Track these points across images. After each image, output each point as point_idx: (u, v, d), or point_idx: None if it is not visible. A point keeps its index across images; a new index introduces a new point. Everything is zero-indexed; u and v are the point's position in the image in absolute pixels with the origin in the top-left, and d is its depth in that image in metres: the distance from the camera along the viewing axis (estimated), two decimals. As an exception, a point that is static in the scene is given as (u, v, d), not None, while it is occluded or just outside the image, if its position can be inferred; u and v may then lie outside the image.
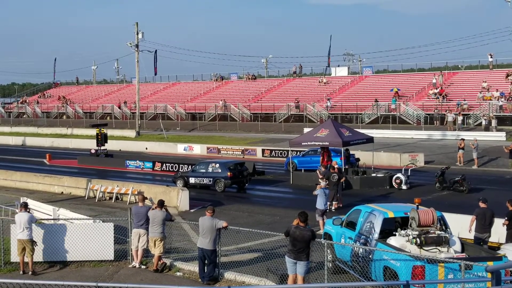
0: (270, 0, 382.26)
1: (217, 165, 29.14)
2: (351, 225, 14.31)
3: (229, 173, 28.30)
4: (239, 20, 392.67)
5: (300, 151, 36.31)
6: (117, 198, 26.46)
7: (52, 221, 17.89)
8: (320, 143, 29.81)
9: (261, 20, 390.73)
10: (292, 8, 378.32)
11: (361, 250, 12.98)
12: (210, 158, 37.38)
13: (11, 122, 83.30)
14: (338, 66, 76.52)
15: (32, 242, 15.06)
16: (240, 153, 43.65)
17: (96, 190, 27.13)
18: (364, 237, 13.42)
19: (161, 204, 15.39)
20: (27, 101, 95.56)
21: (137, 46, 65.91)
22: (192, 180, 29.30)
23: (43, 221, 17.01)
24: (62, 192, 28.88)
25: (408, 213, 12.97)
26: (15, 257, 15.39)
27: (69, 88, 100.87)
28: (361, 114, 57.70)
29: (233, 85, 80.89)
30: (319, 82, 72.26)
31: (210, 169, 29.11)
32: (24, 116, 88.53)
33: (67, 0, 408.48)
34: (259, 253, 15.76)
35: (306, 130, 46.41)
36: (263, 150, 42.98)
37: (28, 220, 15.04)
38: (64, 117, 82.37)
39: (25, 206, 15.89)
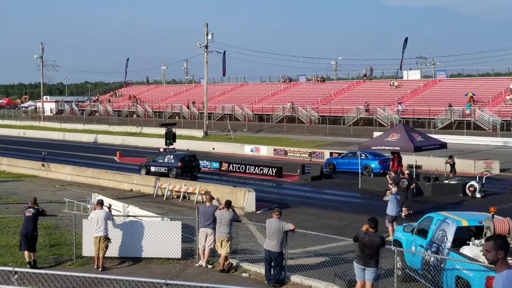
0: (341, 1, 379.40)
1: (172, 156, 34.16)
2: (422, 232, 14.00)
3: (180, 163, 32.94)
4: (308, 22, 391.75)
5: (340, 153, 37.87)
6: (184, 197, 26.93)
7: (122, 218, 18.39)
8: (391, 148, 29.32)
9: (331, 22, 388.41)
10: (364, 9, 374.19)
11: (432, 258, 12.68)
12: (274, 159, 37.61)
13: (84, 119, 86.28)
14: (410, 69, 75.05)
15: (107, 239, 15.55)
16: (307, 155, 43.50)
17: (164, 188, 27.70)
18: (436, 245, 13.10)
19: (228, 204, 15.56)
20: (100, 99, 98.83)
21: (206, 47, 66.92)
22: (152, 169, 33.91)
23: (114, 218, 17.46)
24: (132, 190, 29.67)
25: (483, 222, 12.55)
26: (86, 251, 15.94)
27: (140, 87, 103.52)
28: (433, 119, 56.38)
29: (301, 87, 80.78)
30: (390, 85, 71.12)
31: (166, 160, 33.86)
32: (96, 114, 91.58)
33: (140, 2, 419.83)
34: (326, 258, 15.66)
35: (376, 134, 45.82)
36: (331, 153, 42.60)
37: (105, 217, 15.54)
38: (135, 115, 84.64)
39: (101, 204, 16.34)
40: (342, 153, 36.83)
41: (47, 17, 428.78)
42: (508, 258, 11.34)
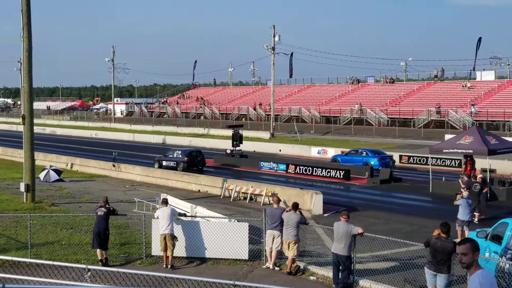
0: (411, 1, 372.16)
1: (180, 152, 38.45)
2: (496, 238, 13.56)
3: (186, 158, 37.21)
4: (376, 22, 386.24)
5: (343, 151, 41.96)
6: (251, 199, 27.09)
7: (190, 218, 18.70)
8: (463, 151, 28.54)
9: (401, 22, 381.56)
10: (434, 9, 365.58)
11: (507, 265, 12.28)
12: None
13: (153, 121, 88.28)
14: (484, 70, 72.68)
15: (174, 237, 15.88)
16: (375, 158, 42.86)
17: (231, 189, 27.97)
18: (511, 252, 12.67)
19: (295, 206, 15.56)
20: (168, 101, 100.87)
21: (273, 48, 67.13)
22: (164, 163, 37.95)
23: (181, 217, 17.83)
24: (199, 190, 30.11)
25: None
26: (155, 250, 16.31)
27: (207, 89, 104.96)
28: (508, 121, 54.40)
29: (370, 89, 79.74)
30: (463, 86, 69.14)
31: (175, 155, 38.06)
32: (165, 115, 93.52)
33: (207, 5, 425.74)
34: (396, 263, 15.40)
35: (447, 136, 44.59)
36: (400, 156, 41.88)
37: (170, 214, 15.90)
38: (202, 117, 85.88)
39: (166, 202, 16.82)
40: (346, 151, 41.02)
41: (118, 20, 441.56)
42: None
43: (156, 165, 38.02)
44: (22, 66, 26.09)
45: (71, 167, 39.25)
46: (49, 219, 19.77)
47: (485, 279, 5.74)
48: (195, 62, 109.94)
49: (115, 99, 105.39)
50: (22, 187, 24.75)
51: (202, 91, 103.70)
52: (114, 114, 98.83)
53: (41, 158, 38.85)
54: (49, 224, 19.43)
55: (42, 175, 32.26)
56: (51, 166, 34.63)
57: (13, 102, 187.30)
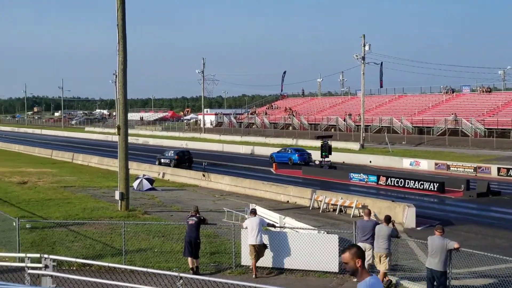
0: (508, 6, 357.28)
1: (172, 152, 49.20)
2: None
3: (176, 157, 47.19)
4: (471, 30, 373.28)
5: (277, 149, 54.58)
6: (340, 211, 26.81)
7: (279, 228, 18.74)
8: None
9: (497, 29, 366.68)
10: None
11: None
12: (435, 174, 36.27)
13: (242, 131, 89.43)
14: None
15: (264, 246, 15.97)
16: (472, 170, 41.35)
17: (320, 201, 27.80)
18: None
19: (388, 219, 15.26)
20: (256, 112, 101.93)
21: (363, 58, 66.39)
22: (162, 160, 48.10)
23: (269, 228, 17.91)
24: (288, 201, 30.15)
25: None
26: (245, 260, 16.46)
27: (295, 100, 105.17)
28: None
29: (465, 98, 77.06)
30: None
31: (169, 154, 48.77)
32: (253, 126, 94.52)
33: (297, 16, 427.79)
34: (494, 279, 14.74)
35: (550, 148, 42.39)
36: (498, 169, 40.17)
37: (259, 224, 16.02)
38: (290, 128, 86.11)
39: (254, 213, 16.99)
40: (278, 149, 54.66)
41: (207, 32, 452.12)
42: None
43: (157, 162, 47.82)
44: (118, 78, 27.20)
45: (163, 177, 40.42)
46: (142, 226, 20.45)
47: (373, 287, 5.74)
48: (284, 72, 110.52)
49: (205, 110, 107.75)
50: (117, 195, 25.74)
51: (291, 101, 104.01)
52: (204, 124, 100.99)
53: (134, 168, 40.28)
54: (142, 231, 20.09)
55: (135, 184, 33.42)
56: (144, 175, 35.81)
57: (108, 113, 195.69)
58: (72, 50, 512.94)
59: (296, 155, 50.08)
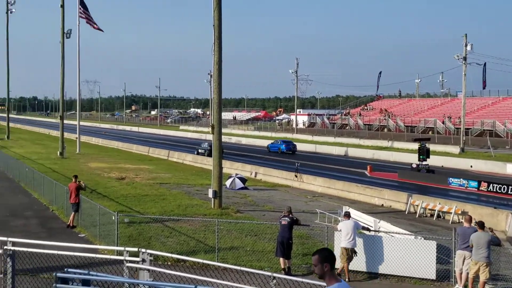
0: None
1: (206, 143, 57.09)
2: None
3: (209, 148, 50.34)
4: None
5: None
6: (438, 216, 26.02)
7: (373, 232, 18.43)
8: None
9: None
10: None
11: None
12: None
13: (335, 132, 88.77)
14: None
15: (354, 252, 15.78)
16: None
17: (417, 205, 27.10)
18: None
19: (481, 225, 14.68)
20: (350, 113, 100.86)
21: (464, 58, 64.04)
22: (199, 151, 57.06)
23: (363, 231, 17.66)
24: (382, 205, 29.61)
25: None
26: (337, 263, 16.29)
27: (391, 101, 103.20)
28: None
29: None
30: None
31: (204, 145, 57.49)
32: (347, 127, 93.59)
33: (392, 15, 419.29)
34: None
35: None
36: None
37: (353, 227, 15.83)
38: (385, 130, 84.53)
39: (348, 215, 16.79)
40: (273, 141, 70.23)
41: (300, 33, 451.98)
42: None
43: (195, 152, 57.14)
44: (213, 78, 27.77)
45: (255, 176, 40.82)
46: (234, 225, 20.73)
47: None
48: (380, 73, 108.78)
49: (298, 110, 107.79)
50: (210, 193, 26.27)
51: (386, 102, 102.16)
52: (297, 125, 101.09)
53: (227, 166, 40.95)
54: (234, 230, 20.37)
55: (228, 183, 33.94)
56: (236, 174, 36.31)
57: (202, 112, 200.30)
58: (169, 50, 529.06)
59: (284, 145, 65.29)
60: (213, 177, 26.53)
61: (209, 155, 52.05)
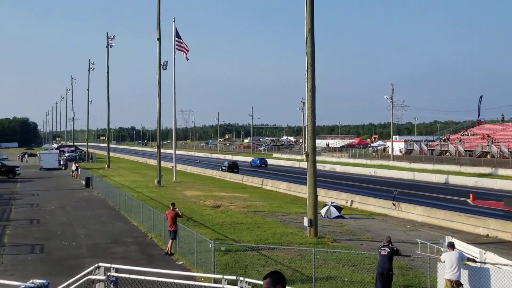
0: None
1: (226, 162, 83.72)
2: None
3: (228, 165, 79.86)
4: None
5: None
6: (550, 248, 24.57)
7: (479, 264, 17.65)
8: None
9: None
10: None
11: None
12: None
13: (434, 159, 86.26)
14: None
15: (460, 284, 15.14)
16: None
17: (526, 236, 25.74)
18: None
19: None
20: (450, 139, 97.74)
21: None
22: (222, 168, 78.84)
23: (468, 263, 16.95)
24: (488, 235, 28.34)
25: None
26: (441, 296, 15.70)
27: (494, 126, 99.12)
28: None
29: None
30: None
31: (225, 163, 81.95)
32: (447, 154, 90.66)
33: (497, 37, 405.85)
34: None
35: None
36: None
37: (458, 258, 15.23)
38: (488, 156, 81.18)
39: (452, 246, 16.18)
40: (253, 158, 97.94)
41: (395, 58, 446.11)
42: None
43: (220, 169, 77.62)
44: (306, 105, 27.79)
45: (351, 204, 40.29)
46: (331, 254, 20.47)
47: None
48: (481, 97, 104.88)
49: (394, 136, 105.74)
50: (305, 222, 26.15)
51: (488, 128, 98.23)
52: (393, 152, 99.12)
53: (322, 194, 40.70)
54: (331, 259, 20.11)
55: (323, 211, 33.70)
56: (332, 202, 36.00)
57: (295, 139, 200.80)
58: (261, 79, 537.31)
59: (258, 161, 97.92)
60: (308, 205, 26.42)
61: (227, 171, 76.57)
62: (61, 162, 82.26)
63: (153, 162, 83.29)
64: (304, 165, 27.25)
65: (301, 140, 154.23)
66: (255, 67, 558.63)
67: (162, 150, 60.23)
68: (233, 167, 79.21)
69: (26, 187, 52.24)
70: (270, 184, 55.32)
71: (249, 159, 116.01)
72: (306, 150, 27.17)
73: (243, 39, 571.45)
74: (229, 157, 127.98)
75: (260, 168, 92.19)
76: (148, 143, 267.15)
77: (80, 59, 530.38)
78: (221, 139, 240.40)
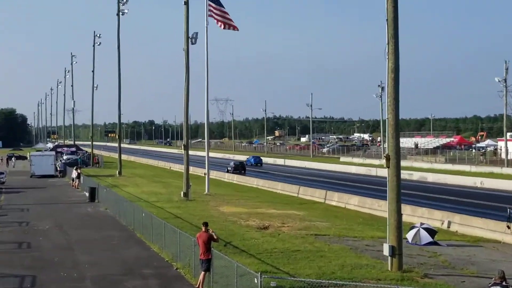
0: None
1: (232, 162, 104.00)
2: None
3: (233, 165, 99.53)
4: None
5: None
6: None
7: None
8: None
9: None
10: None
11: None
12: None
13: None
14: None
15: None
16: None
17: None
18: None
19: None
20: None
21: None
22: (228, 168, 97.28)
23: None
24: None
25: None
26: None
27: None
28: None
29: None
30: None
31: (231, 164, 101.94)
32: None
33: None
34: None
35: None
36: None
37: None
38: None
39: None
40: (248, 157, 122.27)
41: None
42: None
43: (226, 170, 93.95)
44: (386, 91, 27.34)
45: (448, 227, 39.85)
46: (422, 294, 20.31)
47: None
48: None
49: (508, 134, 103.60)
50: (385, 250, 25.93)
51: None
52: (507, 155, 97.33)
53: (408, 213, 40.37)
54: (422, 301, 19.96)
55: (410, 235, 33.38)
56: (421, 223, 35.60)
57: (370, 138, 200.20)
58: (322, 58, 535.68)
59: (253, 159, 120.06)
60: (389, 227, 26.20)
61: (233, 171, 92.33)
62: (58, 168, 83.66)
63: (179, 167, 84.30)
64: (383, 172, 27.08)
65: (378, 139, 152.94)
66: (314, 42, 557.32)
67: (190, 152, 60.45)
68: (240, 168, 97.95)
69: (13, 199, 53.43)
70: (336, 198, 55.17)
71: (313, 164, 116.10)
72: (386, 153, 26.92)
73: (298, 5, 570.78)
74: (280, 161, 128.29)
75: (256, 167, 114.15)
76: (171, 142, 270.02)
77: (83, 31, 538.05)
78: (270, 137, 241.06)
